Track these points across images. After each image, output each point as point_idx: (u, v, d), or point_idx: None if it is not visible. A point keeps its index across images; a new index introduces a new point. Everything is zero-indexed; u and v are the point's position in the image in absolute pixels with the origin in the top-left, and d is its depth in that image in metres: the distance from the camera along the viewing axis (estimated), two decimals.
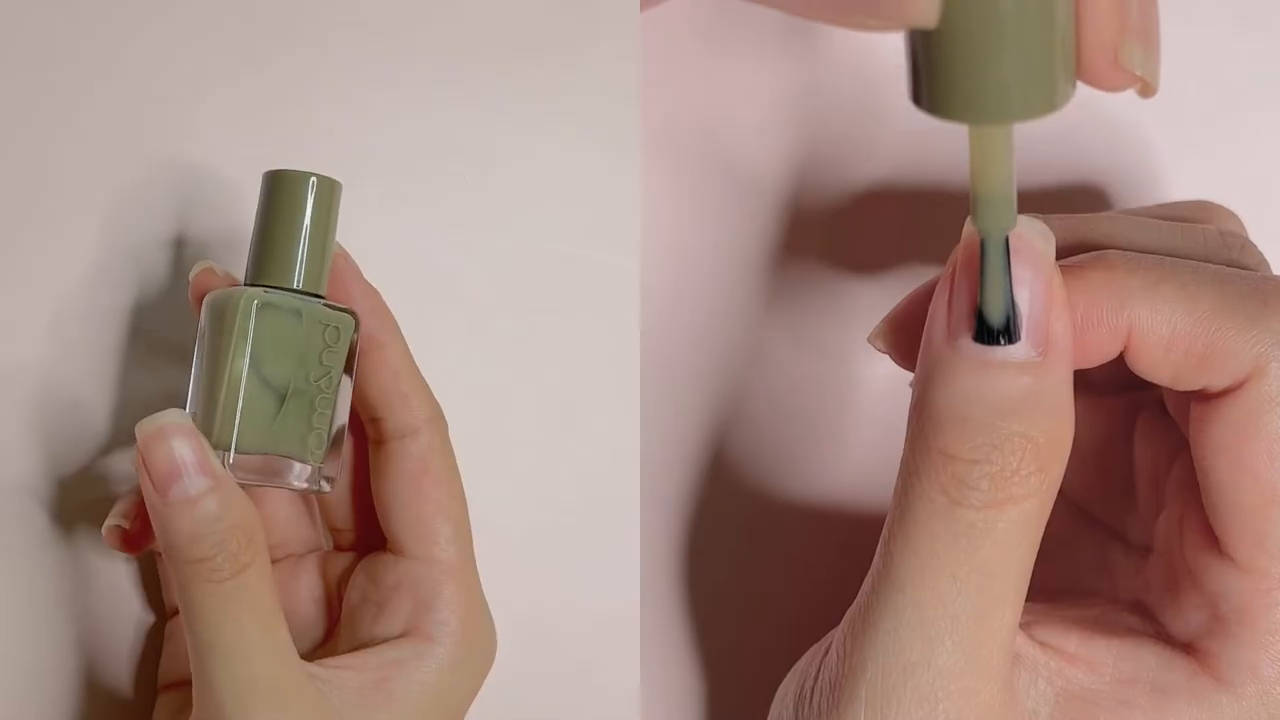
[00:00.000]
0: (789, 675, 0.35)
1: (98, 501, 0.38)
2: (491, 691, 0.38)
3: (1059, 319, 0.30)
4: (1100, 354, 0.31)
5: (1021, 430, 0.30)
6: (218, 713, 0.32)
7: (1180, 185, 0.44)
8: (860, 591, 0.32)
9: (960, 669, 0.30)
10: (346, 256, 0.36)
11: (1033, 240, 0.30)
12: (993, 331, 0.30)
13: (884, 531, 0.31)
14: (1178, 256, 0.33)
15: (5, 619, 0.38)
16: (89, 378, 0.39)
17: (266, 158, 0.39)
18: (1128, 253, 0.32)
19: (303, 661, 0.34)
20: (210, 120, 0.40)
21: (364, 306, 0.36)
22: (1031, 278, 0.30)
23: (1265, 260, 0.35)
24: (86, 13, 0.40)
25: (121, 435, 0.39)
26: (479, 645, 0.37)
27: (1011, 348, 0.30)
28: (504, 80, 0.42)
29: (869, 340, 0.34)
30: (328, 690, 0.34)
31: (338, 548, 0.39)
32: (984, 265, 0.30)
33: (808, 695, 0.33)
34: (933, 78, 0.28)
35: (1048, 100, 0.28)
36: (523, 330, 0.43)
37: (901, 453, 0.31)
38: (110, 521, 0.35)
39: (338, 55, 0.41)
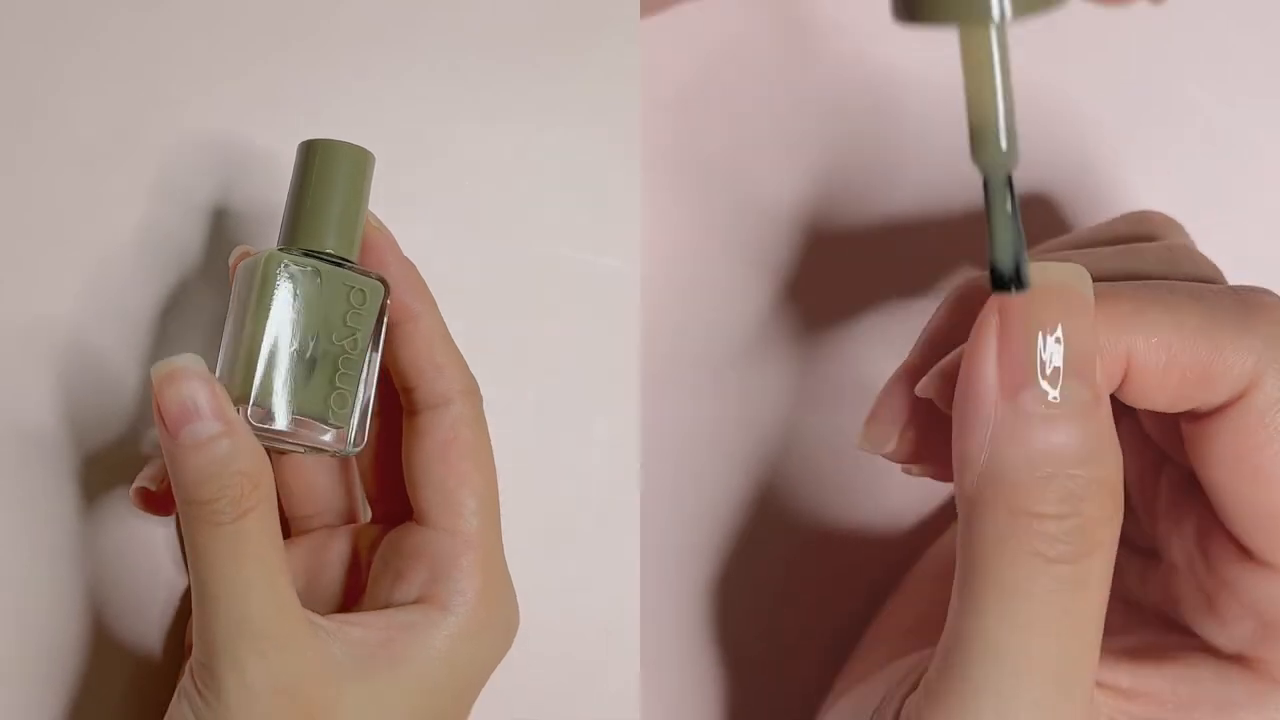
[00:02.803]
0: None
1: (134, 465, 0.38)
2: (491, 694, 0.38)
3: (1099, 360, 0.30)
4: (1109, 387, 0.31)
5: (1096, 475, 0.30)
6: (210, 650, 0.33)
7: (1112, 189, 0.44)
8: (932, 668, 0.31)
9: None
10: (383, 229, 0.36)
11: (1072, 283, 0.30)
12: (1003, 279, 0.29)
13: (960, 603, 0.31)
14: (1140, 279, 0.32)
15: (40, 580, 0.39)
16: (124, 346, 0.40)
17: (270, 154, 0.40)
18: (1104, 284, 0.31)
19: (306, 611, 0.34)
20: (214, 114, 0.41)
21: (398, 277, 0.36)
22: (1077, 320, 0.30)
23: (1216, 266, 0.35)
24: None
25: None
26: (497, 619, 0.36)
27: (1068, 396, 0.29)
28: (504, 84, 0.43)
29: (918, 391, 0.33)
30: (329, 641, 0.34)
31: (376, 520, 0.39)
32: (988, 209, 0.29)
33: None
34: None
35: None
36: (522, 333, 0.43)
37: (961, 518, 0.31)
38: (137, 483, 0.36)
39: (338, 60, 0.42)
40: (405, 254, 0.37)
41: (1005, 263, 0.29)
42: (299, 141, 0.36)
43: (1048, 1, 0.26)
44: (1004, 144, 0.27)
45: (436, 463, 0.36)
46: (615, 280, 0.43)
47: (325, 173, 0.35)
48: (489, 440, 0.37)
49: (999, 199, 0.28)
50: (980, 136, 0.27)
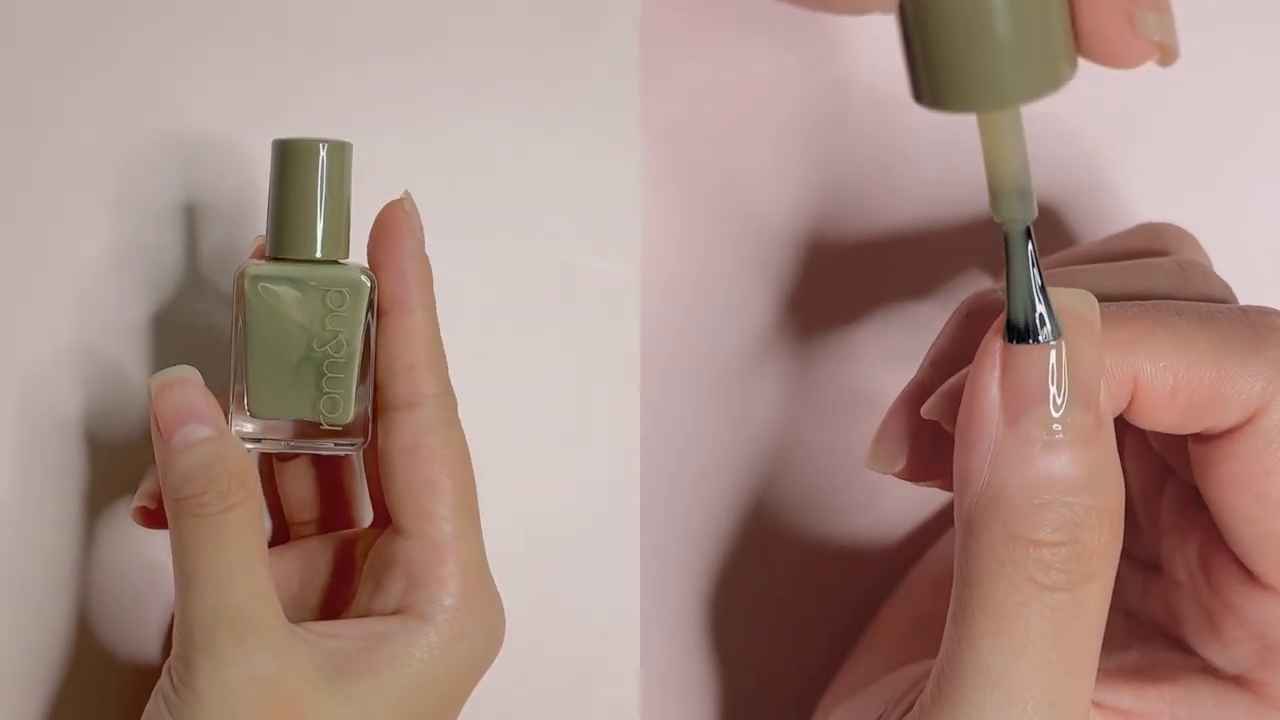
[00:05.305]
0: None
1: (137, 471, 0.39)
2: (490, 697, 0.38)
3: (1104, 385, 0.30)
4: (1114, 410, 0.31)
5: (1095, 503, 0.29)
6: (187, 641, 0.33)
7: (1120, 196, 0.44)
8: (927, 691, 0.31)
9: None
10: (410, 214, 0.36)
11: (1080, 310, 0.30)
12: (1020, 330, 0.29)
13: (954, 627, 0.30)
14: (1148, 298, 0.32)
15: (40, 588, 0.39)
16: (127, 351, 0.40)
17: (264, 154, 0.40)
18: (1111, 304, 0.31)
19: (287, 621, 0.34)
20: (209, 119, 0.41)
21: (397, 268, 0.35)
22: (1084, 347, 0.29)
23: (1227, 285, 0.35)
24: None
25: None
26: (480, 627, 0.36)
27: (1070, 423, 0.29)
28: (504, 86, 0.43)
29: (924, 413, 0.33)
30: (308, 649, 0.34)
31: (376, 523, 0.39)
32: (1008, 260, 0.29)
33: None
34: (928, 70, 0.27)
35: (1049, 79, 0.27)
36: (523, 339, 0.43)
37: (959, 541, 0.30)
38: (136, 502, 0.37)
39: (335, 61, 0.42)
40: (421, 247, 0.36)
41: (1021, 316, 0.29)
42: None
43: (1054, 82, 0.27)
44: (1021, 201, 0.29)
45: (402, 468, 0.36)
46: (616, 284, 0.43)
47: (294, 175, 0.35)
48: (462, 444, 0.36)
49: (1018, 251, 0.29)
50: (999, 195, 0.29)
